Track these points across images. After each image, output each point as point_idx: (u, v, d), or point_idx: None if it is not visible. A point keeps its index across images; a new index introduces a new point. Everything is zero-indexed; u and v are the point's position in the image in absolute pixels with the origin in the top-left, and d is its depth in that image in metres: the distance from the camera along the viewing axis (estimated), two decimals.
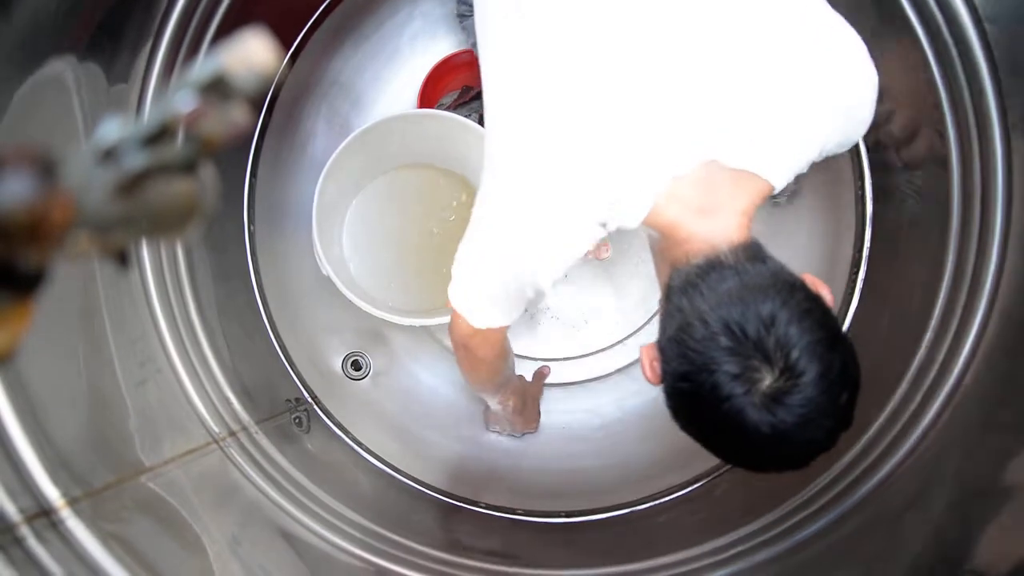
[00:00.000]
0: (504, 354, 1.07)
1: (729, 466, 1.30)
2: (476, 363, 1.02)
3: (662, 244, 0.77)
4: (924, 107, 1.09)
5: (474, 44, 0.86)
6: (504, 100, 0.83)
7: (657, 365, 0.72)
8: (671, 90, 0.73)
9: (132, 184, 0.28)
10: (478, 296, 0.87)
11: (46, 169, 0.26)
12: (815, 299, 0.66)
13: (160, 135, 0.28)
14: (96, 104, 0.90)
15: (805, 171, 0.82)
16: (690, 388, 0.66)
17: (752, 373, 0.63)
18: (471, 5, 1.23)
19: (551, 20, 0.77)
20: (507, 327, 0.92)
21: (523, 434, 1.39)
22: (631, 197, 0.73)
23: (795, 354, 0.62)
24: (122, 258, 0.32)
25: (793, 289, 0.65)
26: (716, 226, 0.71)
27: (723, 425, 0.65)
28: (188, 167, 0.30)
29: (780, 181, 0.74)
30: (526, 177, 0.77)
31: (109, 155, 0.28)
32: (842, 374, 0.64)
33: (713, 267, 0.68)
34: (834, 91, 0.75)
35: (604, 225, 0.76)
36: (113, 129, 0.28)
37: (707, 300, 0.66)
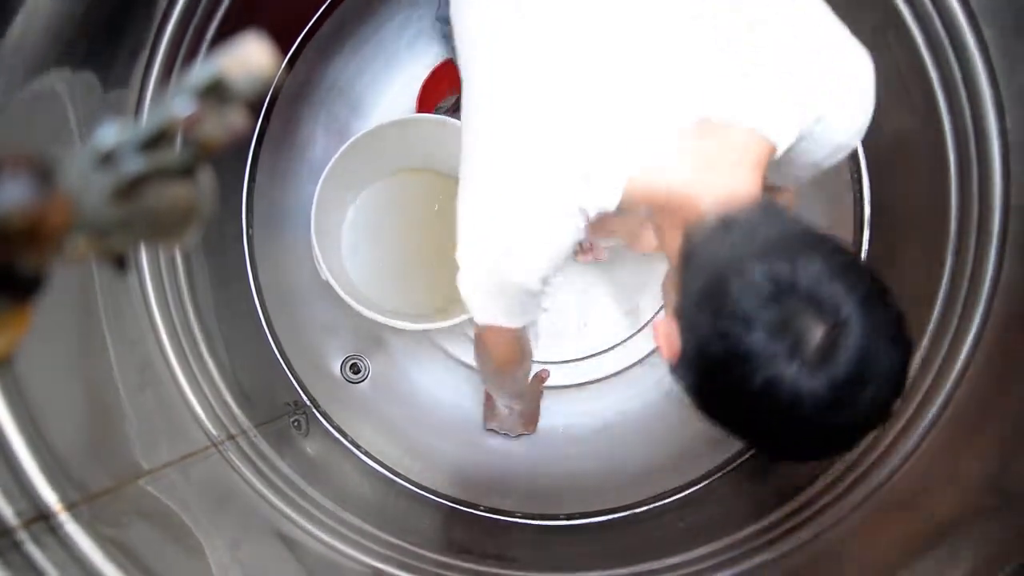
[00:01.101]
0: (516, 358, 1.03)
1: (730, 468, 1.30)
2: (486, 356, 1.00)
3: (664, 216, 0.70)
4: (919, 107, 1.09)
5: (453, 52, 0.85)
6: (477, 86, 0.80)
7: (675, 339, 0.64)
8: (651, 49, 0.69)
9: (130, 188, 0.28)
10: (475, 291, 0.83)
11: (44, 173, 0.26)
12: (853, 253, 0.61)
13: (158, 139, 0.28)
14: (91, 112, 0.90)
15: (801, 172, 0.80)
16: (721, 355, 0.58)
17: (797, 330, 0.55)
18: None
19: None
20: (518, 330, 0.89)
21: (520, 435, 1.39)
22: (603, 171, 0.69)
23: (846, 308, 0.55)
24: (120, 262, 0.32)
25: (826, 240, 0.60)
26: (726, 183, 0.66)
27: (760, 397, 0.57)
28: (186, 171, 0.30)
29: (780, 138, 0.69)
30: (495, 161, 0.74)
31: (107, 159, 0.28)
32: (897, 327, 0.58)
33: (735, 222, 0.62)
34: (831, 66, 0.71)
35: (584, 211, 0.71)
36: (111, 133, 0.28)
37: (739, 250, 0.59)
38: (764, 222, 0.62)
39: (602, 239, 1.28)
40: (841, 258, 0.59)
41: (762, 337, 0.56)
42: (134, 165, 0.28)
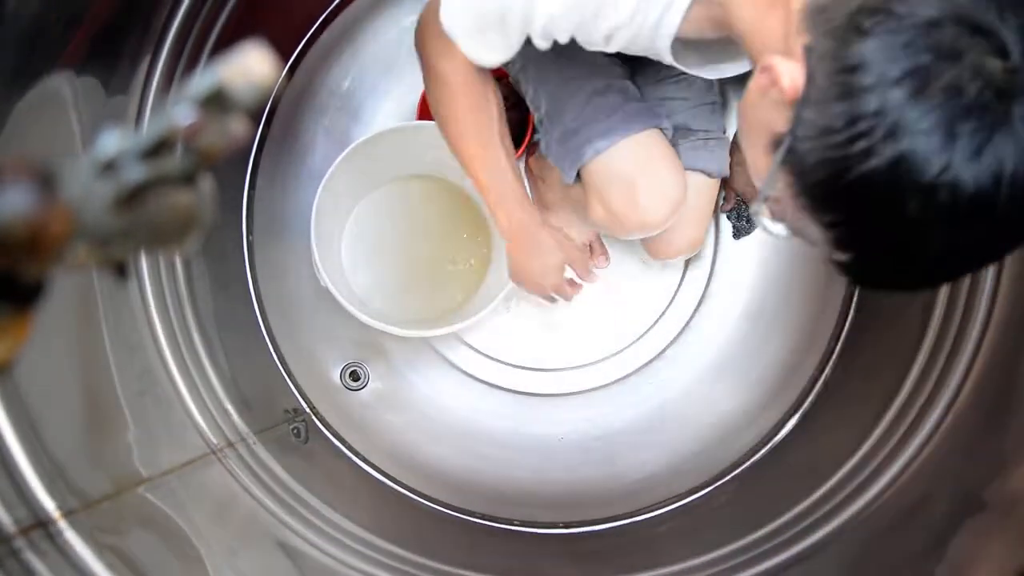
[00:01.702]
0: (472, 87, 0.93)
1: (731, 476, 1.30)
2: (435, 81, 0.92)
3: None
4: None
5: None
6: None
7: (798, 73, 0.53)
8: None
9: (131, 196, 0.28)
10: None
11: (45, 181, 0.26)
12: None
13: (159, 148, 0.28)
14: (94, 118, 0.90)
15: None
16: (870, 82, 0.48)
17: (976, 59, 0.46)
18: None
19: None
20: (472, 65, 0.86)
21: (553, 299, 1.28)
22: None
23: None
24: (121, 269, 0.32)
25: None
26: None
27: (910, 151, 0.47)
28: (187, 179, 0.30)
29: None
30: None
31: (108, 167, 0.28)
32: None
33: None
34: None
35: None
36: (112, 142, 0.28)
37: None
38: None
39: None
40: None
41: (949, 34, 0.47)
42: (135, 174, 0.28)
